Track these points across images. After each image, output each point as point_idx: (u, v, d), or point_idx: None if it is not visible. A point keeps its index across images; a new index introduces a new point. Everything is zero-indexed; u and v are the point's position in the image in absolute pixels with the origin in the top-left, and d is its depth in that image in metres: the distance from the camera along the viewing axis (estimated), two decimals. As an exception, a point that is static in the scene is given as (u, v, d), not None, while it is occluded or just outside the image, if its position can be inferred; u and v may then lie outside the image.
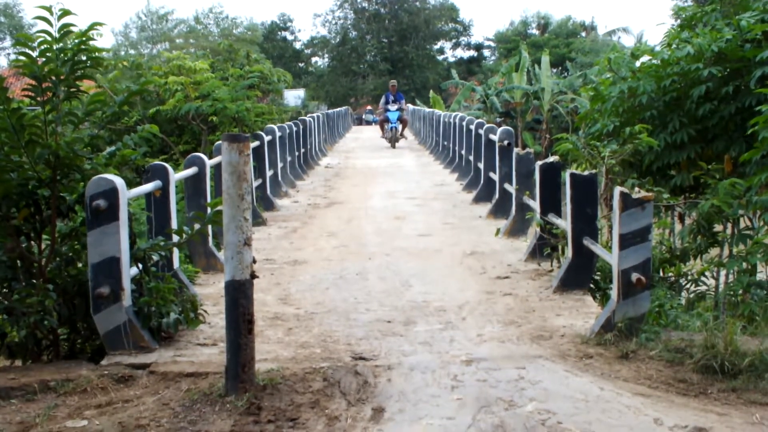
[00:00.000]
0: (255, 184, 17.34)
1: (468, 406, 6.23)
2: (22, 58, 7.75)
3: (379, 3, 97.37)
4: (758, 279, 10.34)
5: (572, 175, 9.78)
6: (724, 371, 6.94)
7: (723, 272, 10.99)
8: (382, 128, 38.16)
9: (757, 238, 10.17)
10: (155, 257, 8.54)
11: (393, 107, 36.78)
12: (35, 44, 7.68)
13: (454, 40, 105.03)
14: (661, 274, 11.17)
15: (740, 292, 10.01)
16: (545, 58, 52.26)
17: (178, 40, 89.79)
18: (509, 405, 6.25)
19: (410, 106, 65.12)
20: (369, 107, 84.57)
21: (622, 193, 7.67)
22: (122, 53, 73.17)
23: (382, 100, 37.81)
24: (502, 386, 6.66)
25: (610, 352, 7.55)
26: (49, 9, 7.53)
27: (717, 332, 7.31)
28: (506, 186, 15.49)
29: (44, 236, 8.10)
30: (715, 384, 6.83)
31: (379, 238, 14.03)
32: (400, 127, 37.45)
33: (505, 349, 7.71)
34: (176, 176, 10.42)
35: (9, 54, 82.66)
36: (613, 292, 7.96)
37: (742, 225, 10.89)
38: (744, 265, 9.98)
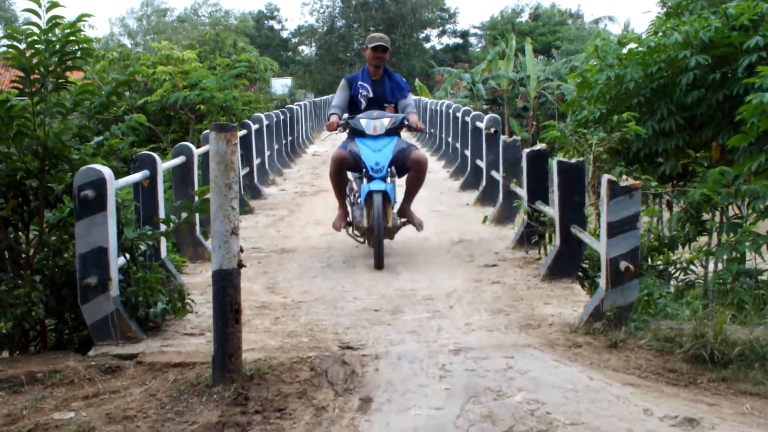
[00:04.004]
0: (242, 172, 17.35)
1: (456, 396, 6.21)
2: (10, 50, 7.74)
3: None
4: (747, 267, 10.35)
5: (559, 162, 9.77)
6: (713, 361, 6.93)
7: (712, 261, 10.99)
8: (339, 187, 11.74)
9: (746, 227, 10.18)
10: (143, 247, 8.51)
11: (377, 123, 11.18)
12: (23, 36, 7.67)
13: (440, 28, 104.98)
14: (650, 262, 11.17)
15: (729, 280, 10.01)
16: (528, 46, 52.32)
17: (170, 30, 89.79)
18: (498, 395, 6.23)
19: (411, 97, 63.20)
20: None
21: (609, 181, 7.65)
22: (118, 42, 73.22)
23: (341, 95, 11.90)
24: (491, 376, 6.64)
25: (599, 342, 7.54)
26: (37, 1, 7.53)
27: (706, 321, 7.30)
28: (493, 173, 15.47)
29: (32, 227, 8.07)
30: (704, 374, 6.82)
31: (366, 227, 13.99)
32: (395, 193, 11.42)
33: (494, 338, 7.69)
34: (164, 166, 10.38)
35: (1, 47, 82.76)
36: (602, 281, 7.93)
37: (730, 213, 10.90)
38: (733, 253, 9.99)
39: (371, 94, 11.72)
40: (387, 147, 10.98)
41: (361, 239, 11.72)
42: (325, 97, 54.16)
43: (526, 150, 11.48)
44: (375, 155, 10.87)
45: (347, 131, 11.60)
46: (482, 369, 6.79)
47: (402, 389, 6.40)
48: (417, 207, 15.28)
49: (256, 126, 19.90)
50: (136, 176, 9.38)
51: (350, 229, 11.78)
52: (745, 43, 13.05)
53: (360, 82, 11.75)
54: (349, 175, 11.84)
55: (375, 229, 10.66)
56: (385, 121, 11.14)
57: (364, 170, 10.95)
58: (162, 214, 9.65)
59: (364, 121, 11.13)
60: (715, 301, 9.88)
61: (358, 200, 11.40)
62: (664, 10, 17.68)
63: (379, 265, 10.68)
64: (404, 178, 11.75)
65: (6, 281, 7.52)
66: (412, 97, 12.35)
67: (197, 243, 11.46)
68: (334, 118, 11.47)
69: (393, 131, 11.20)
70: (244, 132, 18.26)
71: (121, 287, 7.75)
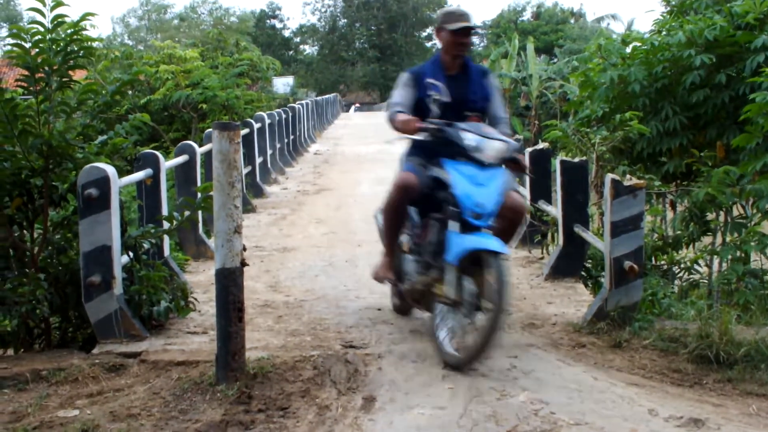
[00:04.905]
0: (245, 171, 17.34)
1: (460, 396, 6.20)
2: (15, 49, 7.75)
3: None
4: (752, 267, 10.33)
5: (563, 161, 9.77)
6: (719, 361, 6.92)
7: (716, 260, 10.98)
8: (394, 226, 7.81)
9: (751, 227, 10.17)
10: (146, 245, 8.50)
11: (489, 146, 7.09)
12: (28, 35, 7.67)
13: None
14: (654, 262, 11.15)
15: (734, 280, 9.99)
16: (530, 45, 52.27)
17: (172, 29, 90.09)
18: (501, 394, 6.21)
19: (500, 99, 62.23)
20: (358, 104, 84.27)
21: (613, 180, 7.65)
22: (119, 41, 73.41)
23: (405, 93, 7.77)
24: (494, 375, 6.62)
25: (603, 341, 7.53)
26: (42, 0, 7.53)
27: (711, 321, 7.30)
28: (496, 173, 15.43)
29: (36, 225, 8.07)
30: (710, 374, 6.81)
31: (368, 225, 13.89)
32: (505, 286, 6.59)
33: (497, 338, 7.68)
34: (167, 164, 10.40)
35: (4, 45, 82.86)
36: (606, 280, 7.92)
37: (735, 213, 10.89)
38: (738, 253, 9.98)
39: (448, 98, 7.56)
40: (494, 182, 7.02)
41: (406, 307, 8.38)
42: (327, 96, 54.19)
43: (529, 149, 11.46)
44: (478, 192, 6.90)
45: (419, 140, 7.45)
46: (486, 368, 6.77)
47: (405, 388, 6.39)
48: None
49: (259, 125, 19.92)
50: (139, 175, 9.38)
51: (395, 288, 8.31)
52: (751, 43, 13.03)
53: (429, 80, 7.66)
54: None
55: (493, 316, 6.44)
56: (500, 146, 7.13)
57: (448, 210, 6.97)
58: (165, 213, 9.64)
59: (470, 136, 7.08)
60: (719, 301, 9.86)
61: (422, 247, 7.51)
62: (668, 8, 17.64)
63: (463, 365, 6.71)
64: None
65: (11, 279, 7.53)
66: (500, 100, 8.15)
67: (200, 241, 11.47)
68: (403, 117, 7.48)
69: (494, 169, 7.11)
70: (246, 131, 18.30)
71: (124, 285, 7.75)
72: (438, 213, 7.22)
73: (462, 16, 7.67)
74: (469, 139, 7.04)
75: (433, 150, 7.33)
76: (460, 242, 6.76)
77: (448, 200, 6.98)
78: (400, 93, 7.76)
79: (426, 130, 7.24)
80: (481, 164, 6.98)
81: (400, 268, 7.85)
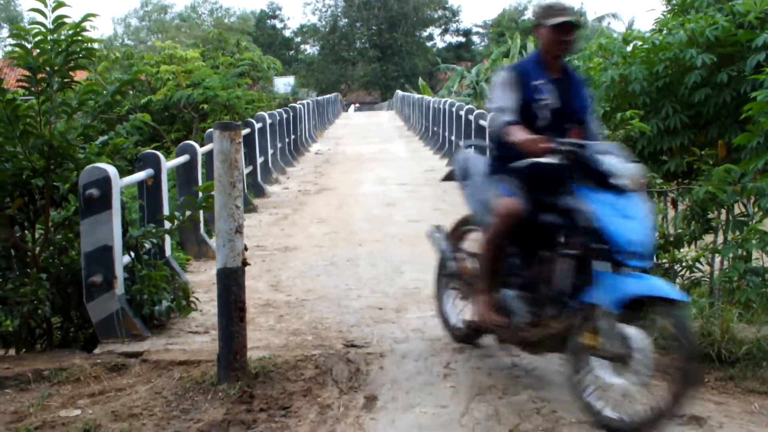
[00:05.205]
0: (246, 171, 17.35)
1: (461, 394, 6.21)
2: (17, 49, 7.75)
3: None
4: (754, 266, 10.32)
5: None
6: (720, 359, 6.90)
7: (718, 259, 10.97)
8: (498, 260, 6.62)
9: (752, 225, 10.16)
10: (147, 245, 8.51)
11: (632, 171, 5.96)
12: (30, 36, 7.68)
13: (443, 27, 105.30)
14: (655, 260, 11.14)
15: (736, 278, 9.98)
16: (531, 45, 52.34)
17: (173, 29, 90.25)
18: (503, 393, 6.22)
19: (400, 93, 63.50)
20: (357, 104, 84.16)
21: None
22: (121, 42, 73.53)
23: (510, 97, 6.48)
24: (496, 374, 6.64)
25: (605, 339, 7.52)
26: (43, 1, 7.54)
27: (713, 320, 7.29)
28: (497, 172, 15.45)
29: (38, 225, 8.07)
30: (711, 372, 6.79)
31: (369, 225, 14.01)
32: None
33: (499, 337, 7.69)
34: (168, 164, 10.41)
35: (6, 46, 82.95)
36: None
37: (736, 211, 10.89)
38: (739, 251, 9.96)
39: (557, 104, 6.59)
40: (641, 214, 5.92)
41: (470, 335, 7.38)
42: (327, 95, 54.18)
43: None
44: (629, 226, 5.79)
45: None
46: (487, 367, 6.79)
47: (407, 387, 6.40)
48: (420, 204, 15.31)
49: (260, 125, 19.94)
50: (140, 175, 9.39)
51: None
52: (752, 42, 13.02)
53: (536, 82, 6.59)
54: None
55: (683, 372, 5.54)
56: (637, 170, 6.09)
57: (591, 246, 5.88)
58: (166, 213, 9.65)
59: (613, 160, 6.00)
60: (721, 299, 9.84)
61: (540, 285, 6.34)
62: (669, 7, 17.63)
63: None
64: None
65: (12, 279, 7.54)
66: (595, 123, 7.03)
67: (201, 241, 11.48)
68: (524, 133, 6.19)
69: None
70: (247, 131, 18.34)
71: (126, 285, 7.77)
72: (535, 242, 6.38)
73: (564, 10, 6.49)
74: (608, 162, 5.93)
75: (542, 172, 6.21)
76: (621, 286, 5.66)
77: (584, 234, 5.89)
78: (505, 95, 6.53)
79: (559, 153, 5.99)
80: (616, 190, 5.84)
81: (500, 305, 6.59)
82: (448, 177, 7.73)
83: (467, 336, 7.35)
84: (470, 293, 7.08)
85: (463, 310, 7.37)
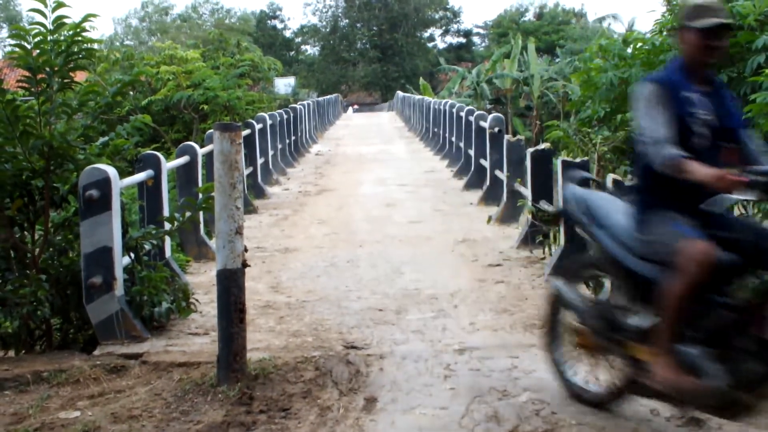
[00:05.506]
0: (246, 172, 17.34)
1: (461, 396, 6.21)
2: (17, 49, 7.75)
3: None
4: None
5: (564, 162, 9.77)
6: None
7: None
8: (682, 311, 5.13)
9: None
10: (147, 246, 8.52)
11: None
12: (30, 36, 7.68)
13: (443, 27, 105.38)
14: None
15: None
16: (531, 46, 52.27)
17: (174, 29, 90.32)
18: (503, 395, 6.23)
19: (400, 93, 63.32)
20: (356, 105, 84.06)
21: (615, 180, 7.63)
22: (121, 42, 73.56)
23: (661, 116, 5.32)
24: (496, 375, 6.64)
25: (604, 341, 7.52)
26: (43, 1, 7.53)
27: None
28: (497, 173, 15.49)
29: (37, 226, 8.07)
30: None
31: (369, 226, 14.01)
32: None
33: (498, 338, 7.69)
34: (168, 165, 10.42)
35: (5, 46, 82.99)
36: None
37: (736, 213, 10.89)
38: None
39: (717, 121, 5.47)
40: None
41: (607, 399, 6.01)
42: (328, 96, 54.17)
43: (531, 149, 11.47)
44: None
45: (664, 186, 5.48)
46: (487, 369, 6.79)
47: (407, 389, 6.40)
48: (420, 205, 15.32)
49: (260, 125, 19.94)
50: (140, 176, 9.40)
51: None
52: (752, 43, 13.02)
53: (687, 93, 5.50)
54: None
55: None
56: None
57: None
58: (166, 214, 9.65)
59: None
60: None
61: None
62: (669, 8, 17.62)
63: None
64: None
65: (12, 280, 7.54)
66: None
67: (201, 242, 11.49)
68: (704, 169, 5.05)
69: None
70: (247, 131, 18.32)
71: (125, 287, 7.77)
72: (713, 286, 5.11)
73: (716, 11, 5.44)
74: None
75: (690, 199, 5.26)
76: None
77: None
78: (658, 115, 5.40)
79: (755, 186, 4.85)
80: None
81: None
82: (557, 216, 7.03)
83: (604, 400, 5.98)
84: (601, 351, 6.03)
85: (591, 371, 6.24)
